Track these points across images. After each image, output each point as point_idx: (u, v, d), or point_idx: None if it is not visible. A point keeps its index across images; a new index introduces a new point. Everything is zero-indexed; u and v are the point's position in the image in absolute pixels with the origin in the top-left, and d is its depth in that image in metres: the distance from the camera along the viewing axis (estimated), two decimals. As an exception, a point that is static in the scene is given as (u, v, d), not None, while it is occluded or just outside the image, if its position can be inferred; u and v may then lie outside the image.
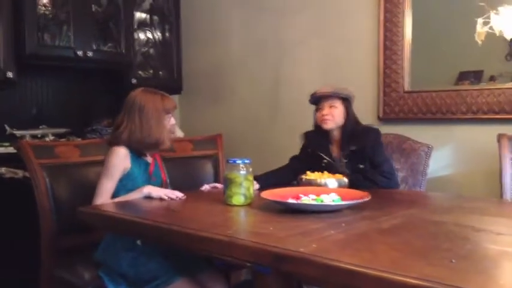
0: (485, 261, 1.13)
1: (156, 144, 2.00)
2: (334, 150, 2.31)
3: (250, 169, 1.82)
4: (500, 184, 2.18)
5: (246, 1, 3.53)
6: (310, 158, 2.34)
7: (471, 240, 1.29)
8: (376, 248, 1.22)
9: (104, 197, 1.92)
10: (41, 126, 3.17)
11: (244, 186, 1.77)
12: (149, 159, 2.10)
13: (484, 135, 2.51)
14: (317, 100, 2.30)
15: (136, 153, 2.02)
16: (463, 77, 2.69)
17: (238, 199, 1.77)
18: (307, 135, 2.41)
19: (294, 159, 2.46)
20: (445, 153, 2.69)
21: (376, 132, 2.28)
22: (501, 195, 2.17)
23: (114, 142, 1.99)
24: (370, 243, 1.26)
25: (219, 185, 2.21)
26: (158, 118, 1.98)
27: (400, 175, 2.50)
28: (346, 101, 2.26)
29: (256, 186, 2.14)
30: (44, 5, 2.89)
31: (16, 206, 2.59)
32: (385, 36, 2.87)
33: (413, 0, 2.79)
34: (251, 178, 1.81)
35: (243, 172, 1.78)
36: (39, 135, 3.11)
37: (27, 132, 3.09)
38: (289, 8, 3.31)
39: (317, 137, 2.33)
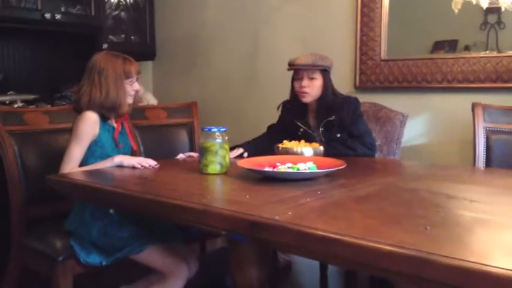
0: (459, 227, 1.14)
1: (114, 107, 1.94)
2: (312, 120, 2.30)
3: (226, 137, 1.79)
4: (474, 153, 2.21)
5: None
6: (287, 127, 2.33)
7: (445, 207, 1.30)
8: (351, 215, 1.22)
9: (72, 163, 1.87)
10: (8, 93, 3.05)
11: (220, 155, 1.75)
12: (114, 124, 2.04)
13: (458, 104, 2.54)
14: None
15: (102, 117, 1.97)
16: (437, 46, 2.69)
17: (214, 168, 1.74)
18: (284, 104, 2.39)
19: (271, 128, 2.44)
20: (420, 122, 2.71)
21: (355, 102, 2.25)
22: (474, 163, 2.21)
23: (78, 107, 1.94)
24: (345, 211, 1.26)
25: (194, 154, 2.18)
26: (117, 81, 1.93)
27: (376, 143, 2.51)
28: (326, 71, 2.22)
29: (245, 155, 2.12)
30: (9, -36, 2.74)
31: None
32: (363, 3, 2.83)
33: (392, -33, 2.75)
34: (227, 146, 1.79)
35: (218, 140, 1.75)
36: (7, 102, 3.00)
37: (-6, 98, 2.97)
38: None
39: (294, 106, 2.31)
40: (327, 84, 2.22)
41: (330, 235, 1.04)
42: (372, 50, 2.85)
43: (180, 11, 3.69)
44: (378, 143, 2.53)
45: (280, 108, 2.40)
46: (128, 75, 1.96)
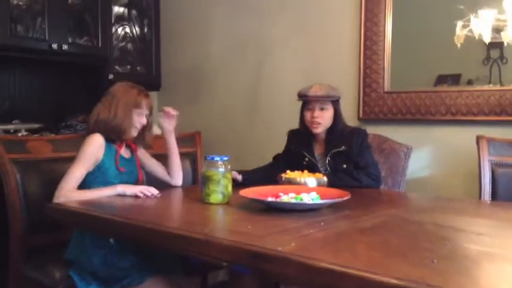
0: (466, 261, 1.11)
1: (118, 130, 1.98)
2: (318, 149, 2.29)
3: (229, 166, 1.78)
4: (479, 185, 2.19)
5: (229, 1, 3.48)
6: (292, 156, 2.32)
7: (451, 240, 1.27)
8: (355, 247, 1.20)
9: (70, 184, 1.86)
10: (13, 121, 3.07)
11: (222, 184, 1.73)
12: (119, 148, 2.05)
13: (462, 136, 2.53)
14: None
15: (108, 140, 1.99)
16: (441, 80, 2.70)
17: (216, 197, 1.72)
18: (291, 134, 2.39)
19: (277, 157, 2.43)
20: (424, 154, 2.69)
21: (364, 134, 2.27)
22: (480, 196, 2.18)
23: (88, 128, 2.01)
24: (349, 243, 1.24)
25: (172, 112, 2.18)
26: (126, 107, 1.99)
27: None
28: (336, 102, 2.24)
29: (239, 177, 2.11)
30: (18, -5, 2.81)
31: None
32: (366, 36, 2.87)
33: (394, 1, 2.79)
34: (229, 176, 1.77)
35: (221, 169, 1.74)
36: (11, 130, 3.01)
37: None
38: (271, 7, 3.28)
39: (301, 136, 2.31)
40: (338, 115, 2.24)
41: (334, 267, 1.02)
42: (376, 82, 2.86)
43: (185, 43, 3.74)
44: (382, 174, 2.51)
45: (287, 138, 2.40)
46: (137, 105, 2.01)
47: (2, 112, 3.05)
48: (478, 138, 2.27)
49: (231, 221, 1.58)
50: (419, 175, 2.69)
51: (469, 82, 2.61)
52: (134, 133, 2.04)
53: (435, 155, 2.67)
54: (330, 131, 2.25)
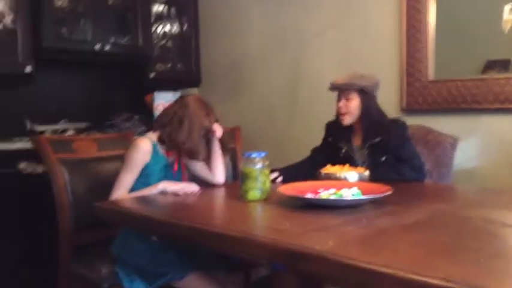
0: (516, 260, 1.05)
1: (193, 153, 2.02)
2: (356, 141, 2.24)
3: (267, 163, 1.76)
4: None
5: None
6: (330, 148, 2.28)
7: (500, 237, 1.21)
8: (397, 245, 1.16)
9: (122, 190, 1.92)
10: (61, 121, 3.18)
11: (260, 181, 1.72)
12: (171, 158, 2.08)
13: (511, 125, 2.40)
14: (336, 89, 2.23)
15: (160, 142, 2.03)
16: (490, 65, 2.57)
17: (254, 194, 1.71)
18: (329, 125, 2.36)
19: (315, 151, 2.40)
20: (471, 145, 2.58)
21: (402, 125, 2.19)
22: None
23: (160, 130, 2.04)
24: (391, 241, 1.20)
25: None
26: (200, 133, 2.03)
27: (426, 168, 2.40)
28: (363, 91, 2.16)
29: (280, 178, 2.10)
30: (61, -2, 2.89)
31: (36, 202, 2.59)
32: (408, 24, 2.77)
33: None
34: (267, 172, 1.76)
35: (258, 166, 1.73)
36: (59, 130, 3.12)
37: (48, 127, 3.09)
38: (309, 0, 3.23)
39: (339, 127, 2.26)
40: (366, 105, 2.16)
41: (373, 267, 0.98)
42: (419, 71, 2.76)
43: (224, 38, 3.75)
44: (427, 167, 2.42)
45: (325, 130, 2.36)
46: (209, 131, 2.07)
47: (50, 113, 3.16)
48: (530, 127, 2.15)
49: (269, 218, 1.57)
50: (466, 167, 2.58)
51: (519, 68, 2.48)
52: (203, 155, 2.06)
53: (483, 146, 2.56)
54: (364, 121, 2.17)
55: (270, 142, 3.44)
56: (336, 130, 2.28)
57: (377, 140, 2.13)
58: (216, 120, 2.11)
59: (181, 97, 2.15)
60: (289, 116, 3.41)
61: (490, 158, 2.54)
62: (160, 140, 2.03)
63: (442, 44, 2.71)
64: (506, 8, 2.48)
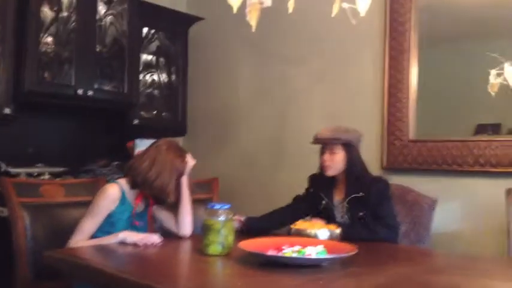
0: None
1: (162, 192, 1.98)
2: (338, 194, 2.20)
3: (231, 215, 1.70)
4: (508, 242, 2.00)
5: (255, 48, 3.49)
6: (312, 200, 2.25)
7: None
8: (347, 312, 1.08)
9: (82, 236, 1.87)
10: (37, 165, 3.12)
11: (222, 234, 1.65)
12: (139, 207, 2.04)
13: (492, 189, 2.35)
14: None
15: (130, 186, 2.00)
16: (480, 130, 2.55)
17: (215, 248, 1.64)
18: (312, 178, 2.33)
19: (297, 199, 2.36)
20: (451, 207, 2.51)
21: (384, 184, 2.16)
22: (509, 253, 1.99)
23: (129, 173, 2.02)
24: (342, 306, 1.12)
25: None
26: (172, 172, 2.00)
27: (402, 228, 2.33)
28: (348, 145, 2.15)
29: (236, 224, 2.03)
30: (47, 43, 2.90)
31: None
32: (390, 83, 2.78)
33: (420, 49, 2.71)
34: (231, 225, 1.70)
35: (221, 218, 1.67)
36: (35, 174, 3.05)
37: (23, 170, 3.02)
38: (295, 57, 3.27)
39: (321, 180, 2.23)
40: (351, 158, 2.14)
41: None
42: (400, 130, 2.75)
43: (211, 89, 3.77)
44: (404, 228, 2.36)
45: (308, 182, 2.33)
46: (182, 174, 2.05)
47: (27, 156, 3.11)
48: (508, 192, 2.10)
49: (223, 275, 1.49)
50: (447, 230, 2.51)
51: (511, 132, 2.44)
52: (173, 197, 2.02)
53: (463, 208, 2.49)
54: (348, 174, 2.15)
55: (252, 194, 3.37)
56: (318, 183, 2.26)
57: (359, 194, 2.10)
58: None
59: (155, 141, 2.15)
60: (273, 168, 3.37)
61: (471, 221, 2.47)
62: (131, 183, 2.00)
63: (424, 105, 2.71)
64: (493, 72, 2.50)
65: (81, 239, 1.86)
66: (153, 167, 1.97)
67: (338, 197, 2.20)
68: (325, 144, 2.17)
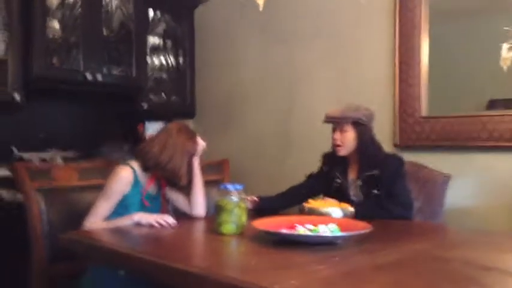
0: (488, 307, 0.96)
1: (175, 175, 2.00)
2: (352, 173, 2.19)
3: (243, 195, 1.70)
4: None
5: (262, 28, 3.45)
6: (325, 178, 2.23)
7: (476, 281, 1.12)
8: None
9: (96, 218, 1.89)
10: (49, 150, 3.14)
11: (235, 214, 1.65)
12: (146, 182, 2.03)
13: (506, 164, 2.32)
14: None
15: (142, 169, 2.00)
16: (492, 105, 2.51)
17: (228, 228, 1.64)
18: (325, 156, 2.30)
19: (311, 177, 2.34)
20: (465, 183, 2.49)
21: (398, 161, 2.13)
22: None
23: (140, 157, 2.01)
24: (358, 282, 1.12)
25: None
26: (183, 156, 2.01)
27: (416, 205, 2.31)
28: (358, 124, 2.12)
29: (249, 204, 2.03)
30: (54, 29, 2.90)
31: (14, 231, 2.52)
32: (401, 60, 2.73)
33: (431, 24, 2.66)
34: (244, 205, 1.69)
35: (234, 199, 1.67)
36: (47, 159, 3.08)
37: (36, 155, 3.06)
38: (304, 36, 3.22)
39: (335, 159, 2.21)
40: (362, 137, 2.12)
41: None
42: (412, 107, 2.71)
43: (219, 71, 3.75)
44: (418, 204, 2.34)
45: (321, 160, 2.31)
46: (193, 155, 2.06)
47: (39, 142, 3.13)
48: (523, 166, 2.08)
49: (237, 254, 1.50)
50: (460, 205, 2.49)
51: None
52: (185, 180, 2.03)
53: (477, 184, 2.47)
54: (360, 153, 2.13)
55: (261, 175, 3.37)
56: (331, 161, 2.24)
57: (372, 172, 2.08)
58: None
59: (165, 125, 2.15)
60: (282, 148, 3.36)
61: (484, 197, 2.45)
62: (143, 167, 2.00)
63: (436, 81, 2.67)
64: (505, 46, 2.45)
65: (96, 221, 1.88)
66: (164, 151, 1.97)
67: (352, 175, 2.18)
68: (335, 122, 2.15)
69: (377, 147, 2.18)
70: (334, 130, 2.16)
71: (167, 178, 2.04)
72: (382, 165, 2.08)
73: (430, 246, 1.53)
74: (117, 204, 1.94)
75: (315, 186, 2.23)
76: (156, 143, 2.00)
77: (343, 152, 2.15)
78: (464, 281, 1.12)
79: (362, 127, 2.13)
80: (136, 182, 1.99)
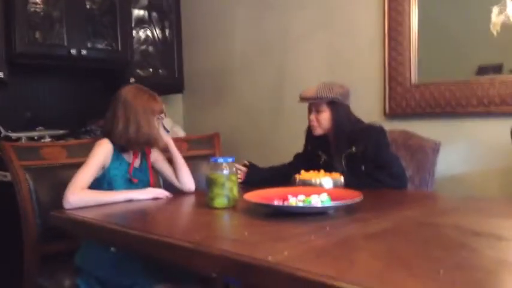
0: (480, 271, 0.97)
1: (150, 141, 1.95)
2: (333, 150, 2.17)
3: (234, 169, 1.69)
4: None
5: (250, -1, 3.39)
6: (311, 156, 2.23)
7: (468, 247, 1.13)
8: (355, 256, 1.08)
9: (78, 184, 1.80)
10: (37, 128, 3.10)
11: (226, 187, 1.65)
12: (130, 158, 1.99)
13: (496, 129, 2.33)
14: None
15: (120, 150, 1.95)
16: (482, 71, 2.49)
17: (220, 201, 1.64)
18: (307, 133, 2.28)
19: (297, 156, 2.35)
20: (456, 150, 2.50)
21: (378, 130, 2.11)
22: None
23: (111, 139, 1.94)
24: (350, 250, 1.12)
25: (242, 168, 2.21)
26: (148, 117, 1.94)
27: (407, 174, 2.32)
28: (334, 103, 2.10)
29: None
30: (35, 3, 2.81)
31: (2, 210, 2.50)
32: (390, 26, 2.70)
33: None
34: (235, 178, 1.69)
35: (225, 172, 1.66)
36: (35, 137, 3.04)
37: (23, 135, 3.01)
38: (293, 4, 3.17)
39: (316, 136, 2.20)
40: (337, 116, 2.10)
41: (323, 280, 0.90)
42: (401, 74, 2.69)
43: (207, 43, 3.69)
44: (409, 173, 2.34)
45: (305, 136, 2.30)
46: (156, 112, 1.97)
47: (26, 120, 3.08)
48: (513, 131, 2.08)
49: (229, 227, 1.49)
50: (451, 173, 2.50)
51: (512, 71, 2.39)
52: (162, 140, 1.99)
53: (468, 151, 2.48)
54: (336, 132, 2.12)
55: (253, 146, 3.36)
56: (313, 139, 2.24)
57: (351, 150, 2.07)
58: (162, 108, 2.01)
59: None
60: (273, 121, 3.34)
61: (475, 163, 2.46)
62: (119, 148, 1.95)
63: (426, 47, 2.64)
64: (495, 9, 2.41)
65: (80, 187, 1.80)
66: (129, 124, 1.90)
67: (334, 152, 2.17)
68: (309, 103, 2.14)
69: (354, 123, 2.14)
70: (309, 110, 2.16)
71: (146, 146, 2.00)
72: (361, 139, 2.05)
73: (421, 214, 1.54)
74: (100, 179, 1.90)
75: (301, 166, 2.16)
76: (119, 120, 1.92)
77: (319, 131, 2.15)
78: (456, 246, 1.13)
79: (337, 106, 2.11)
80: (117, 156, 1.94)
